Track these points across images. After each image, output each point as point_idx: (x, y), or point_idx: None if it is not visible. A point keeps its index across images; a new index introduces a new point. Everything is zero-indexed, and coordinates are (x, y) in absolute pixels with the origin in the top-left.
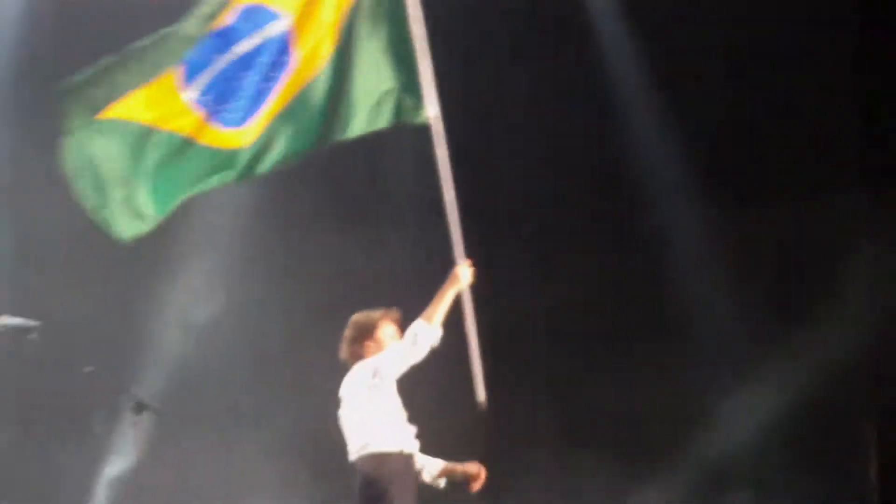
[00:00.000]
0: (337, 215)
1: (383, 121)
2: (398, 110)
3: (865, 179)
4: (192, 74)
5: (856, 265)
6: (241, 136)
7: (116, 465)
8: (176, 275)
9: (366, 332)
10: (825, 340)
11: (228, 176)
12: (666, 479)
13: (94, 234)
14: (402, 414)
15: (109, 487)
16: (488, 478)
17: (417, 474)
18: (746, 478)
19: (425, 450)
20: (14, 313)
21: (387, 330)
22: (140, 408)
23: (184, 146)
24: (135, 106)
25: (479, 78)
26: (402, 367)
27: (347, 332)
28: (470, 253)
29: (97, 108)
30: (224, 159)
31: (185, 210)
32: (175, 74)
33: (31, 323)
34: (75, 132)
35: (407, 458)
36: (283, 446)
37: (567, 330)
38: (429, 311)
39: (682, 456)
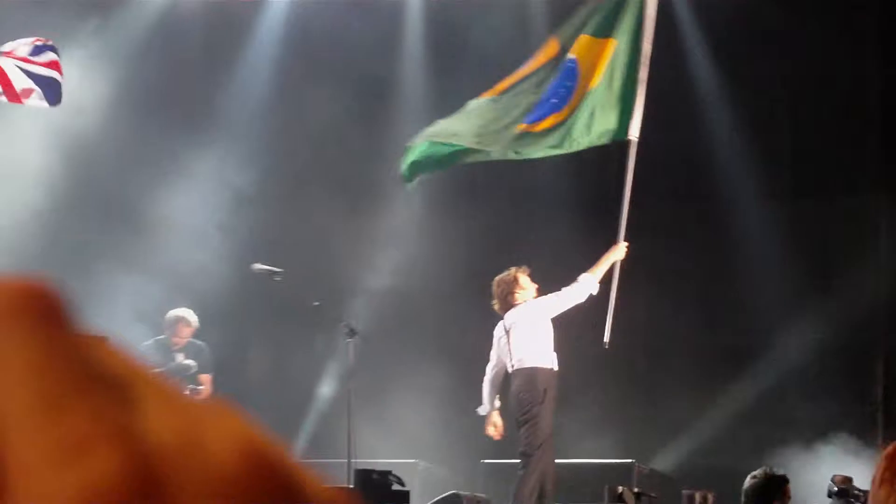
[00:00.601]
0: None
1: (606, 138)
2: (617, 132)
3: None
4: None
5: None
6: (535, 126)
7: (332, 374)
8: (382, 243)
9: (512, 284)
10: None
11: (521, 152)
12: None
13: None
14: (552, 342)
15: (327, 388)
16: None
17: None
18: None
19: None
20: (265, 262)
21: (525, 279)
22: (352, 333)
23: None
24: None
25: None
26: (566, 306)
27: (497, 290)
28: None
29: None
30: (517, 138)
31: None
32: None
33: (277, 269)
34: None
35: (553, 373)
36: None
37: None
38: (593, 268)
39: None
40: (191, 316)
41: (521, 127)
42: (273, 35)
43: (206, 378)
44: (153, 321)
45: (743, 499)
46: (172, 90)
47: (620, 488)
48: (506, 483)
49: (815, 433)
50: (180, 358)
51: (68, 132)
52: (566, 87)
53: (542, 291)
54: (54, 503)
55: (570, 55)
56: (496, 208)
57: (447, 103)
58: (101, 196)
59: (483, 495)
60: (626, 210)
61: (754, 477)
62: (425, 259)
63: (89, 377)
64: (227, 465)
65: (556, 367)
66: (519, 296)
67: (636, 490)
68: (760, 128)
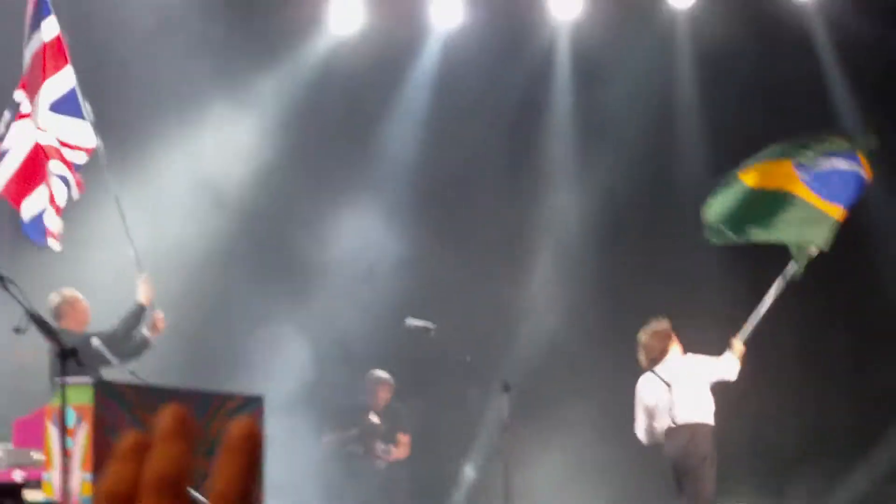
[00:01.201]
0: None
1: None
2: None
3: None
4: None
5: None
6: (834, 209)
7: (488, 430)
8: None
9: (668, 338)
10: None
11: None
12: None
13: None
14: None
15: (482, 444)
16: None
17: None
18: None
19: None
20: (417, 316)
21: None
22: (506, 387)
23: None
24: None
25: None
26: (717, 377)
27: (652, 342)
28: None
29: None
30: (815, 215)
31: None
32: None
33: (430, 325)
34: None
35: (713, 431)
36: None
37: None
38: (734, 352)
39: None
40: (391, 379)
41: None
42: (425, 79)
43: (404, 438)
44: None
45: None
46: (324, 142)
47: None
48: None
49: None
50: (374, 419)
51: (222, 182)
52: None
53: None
54: None
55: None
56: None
57: (598, 142)
58: (253, 245)
59: None
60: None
61: None
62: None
63: None
64: None
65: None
66: (674, 349)
67: None
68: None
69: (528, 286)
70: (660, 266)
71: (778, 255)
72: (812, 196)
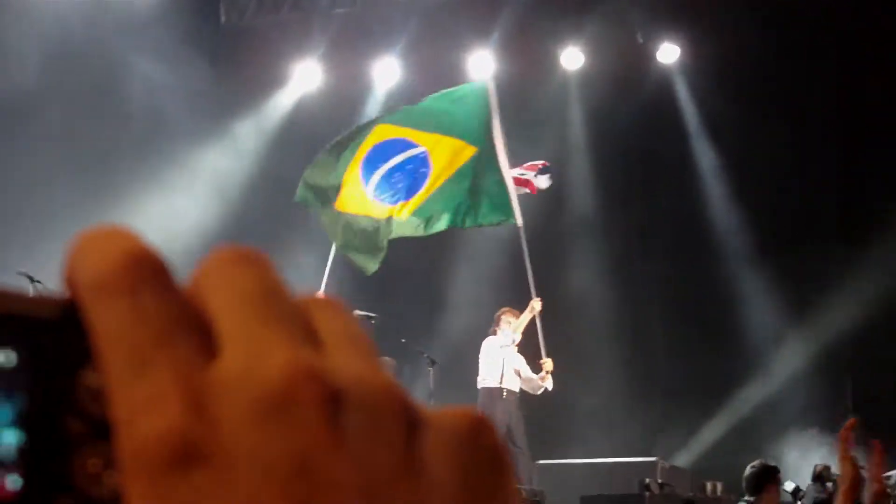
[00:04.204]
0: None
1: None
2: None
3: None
4: (365, 176)
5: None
6: (395, 209)
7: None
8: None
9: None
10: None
11: (390, 234)
12: None
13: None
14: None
15: None
16: None
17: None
18: None
19: None
20: (361, 308)
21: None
22: (432, 362)
23: (370, 221)
24: (345, 202)
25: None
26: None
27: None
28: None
29: (329, 200)
30: (385, 225)
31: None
32: (355, 173)
33: (373, 314)
34: (324, 213)
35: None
36: None
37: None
38: (520, 325)
39: None
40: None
41: (400, 207)
42: None
43: None
44: None
45: (744, 485)
46: None
47: (647, 480)
48: (555, 480)
49: (799, 434)
50: None
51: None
52: (418, 175)
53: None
54: (131, 453)
55: (420, 146)
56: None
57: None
58: None
59: (539, 489)
60: (531, 275)
61: (752, 467)
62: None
63: (175, 332)
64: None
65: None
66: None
67: (660, 481)
68: (747, 194)
69: (455, 283)
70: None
71: None
72: (380, 209)
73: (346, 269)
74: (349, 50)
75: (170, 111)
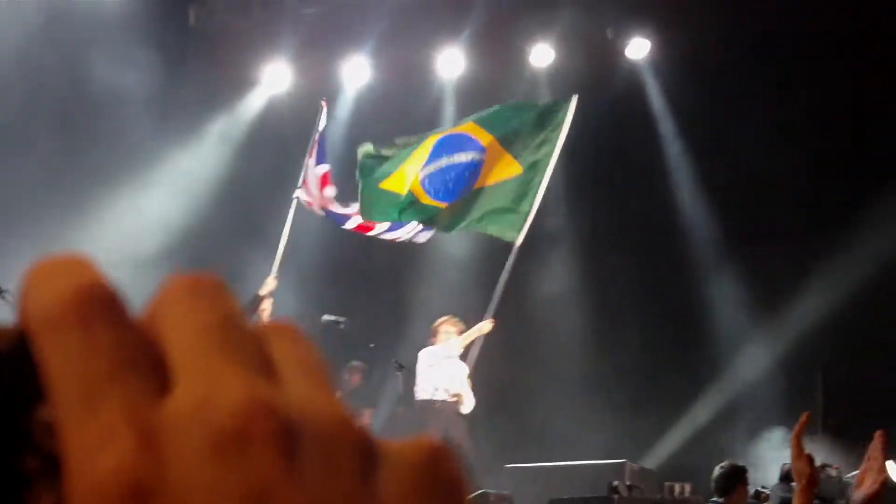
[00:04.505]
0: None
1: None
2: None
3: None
4: (429, 160)
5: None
6: (444, 206)
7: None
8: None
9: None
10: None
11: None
12: None
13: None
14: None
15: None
16: None
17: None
18: None
19: None
20: (331, 313)
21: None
22: (400, 367)
23: (414, 201)
24: (396, 183)
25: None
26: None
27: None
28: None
29: (379, 180)
30: (431, 214)
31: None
32: (419, 158)
33: (341, 318)
34: (367, 190)
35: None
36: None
37: None
38: (464, 339)
39: None
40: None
41: (441, 205)
42: (340, 130)
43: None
44: None
45: (713, 486)
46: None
47: (616, 482)
48: (524, 483)
49: (769, 432)
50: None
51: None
52: (465, 178)
53: None
54: (82, 492)
55: (484, 153)
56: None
57: None
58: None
59: (507, 493)
60: (500, 291)
61: (721, 468)
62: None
63: (127, 366)
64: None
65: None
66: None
67: (628, 483)
68: (716, 191)
69: (423, 288)
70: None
71: None
72: (426, 197)
73: (317, 273)
74: (318, 50)
75: (137, 113)
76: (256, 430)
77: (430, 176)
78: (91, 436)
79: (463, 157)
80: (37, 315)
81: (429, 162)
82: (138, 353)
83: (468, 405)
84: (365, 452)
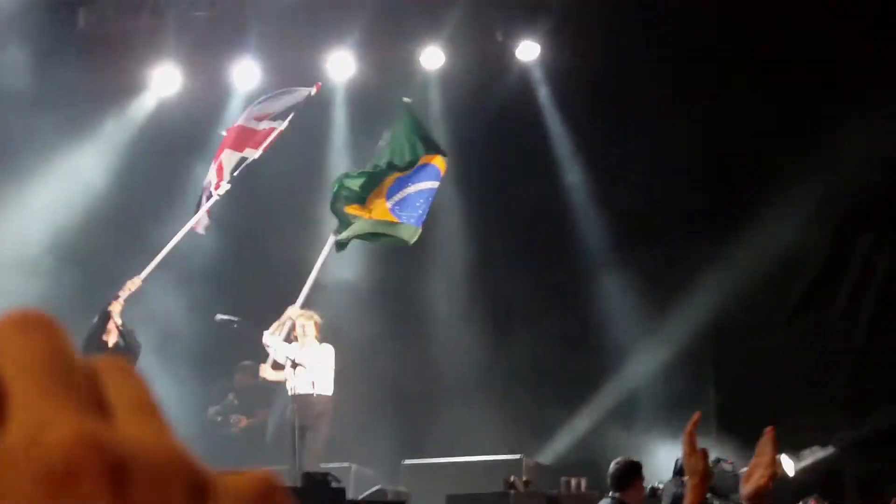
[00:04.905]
0: None
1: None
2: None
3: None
4: (390, 194)
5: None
6: (412, 228)
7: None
8: None
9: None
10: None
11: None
12: None
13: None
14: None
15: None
16: None
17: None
18: None
19: None
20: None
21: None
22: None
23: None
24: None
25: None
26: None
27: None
28: None
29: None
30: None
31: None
32: (384, 189)
33: (235, 318)
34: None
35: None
36: None
37: None
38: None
39: None
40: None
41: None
42: None
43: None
44: None
45: (609, 481)
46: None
47: (512, 478)
48: (421, 479)
49: (662, 427)
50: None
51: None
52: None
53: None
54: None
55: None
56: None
57: None
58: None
59: (404, 489)
60: (311, 283)
61: (617, 463)
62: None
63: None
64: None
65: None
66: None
67: (525, 479)
68: (607, 193)
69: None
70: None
71: None
72: (393, 219)
73: (214, 274)
74: (208, 53)
75: (26, 117)
76: (85, 465)
77: (399, 203)
78: None
79: (429, 185)
80: None
81: (397, 188)
82: None
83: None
84: (196, 486)
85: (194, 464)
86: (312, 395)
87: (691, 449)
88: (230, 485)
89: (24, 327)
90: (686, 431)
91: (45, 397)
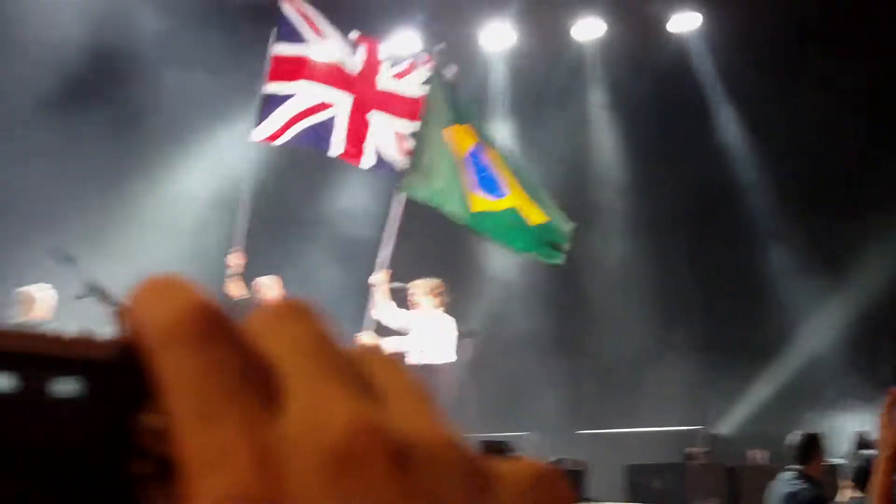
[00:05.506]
0: None
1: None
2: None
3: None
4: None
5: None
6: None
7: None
8: None
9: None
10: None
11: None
12: None
13: None
14: None
15: None
16: None
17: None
18: None
19: None
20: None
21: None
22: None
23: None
24: (452, 137)
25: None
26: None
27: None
28: None
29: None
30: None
31: None
32: (472, 133)
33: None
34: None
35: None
36: None
37: None
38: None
39: None
40: None
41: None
42: None
43: None
44: None
45: (790, 453)
46: None
47: (693, 448)
48: (597, 449)
49: (840, 401)
50: None
51: None
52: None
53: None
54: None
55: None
56: None
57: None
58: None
59: (582, 459)
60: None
61: (798, 435)
62: None
63: (241, 385)
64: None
65: None
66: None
67: (704, 450)
68: (774, 162)
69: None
70: None
71: None
72: (467, 188)
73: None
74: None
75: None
76: (368, 450)
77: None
78: (208, 452)
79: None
80: (155, 330)
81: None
82: (251, 373)
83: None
84: (475, 475)
85: (472, 452)
86: (430, 364)
87: (887, 421)
88: (508, 474)
89: (292, 314)
90: (887, 404)
91: (322, 383)
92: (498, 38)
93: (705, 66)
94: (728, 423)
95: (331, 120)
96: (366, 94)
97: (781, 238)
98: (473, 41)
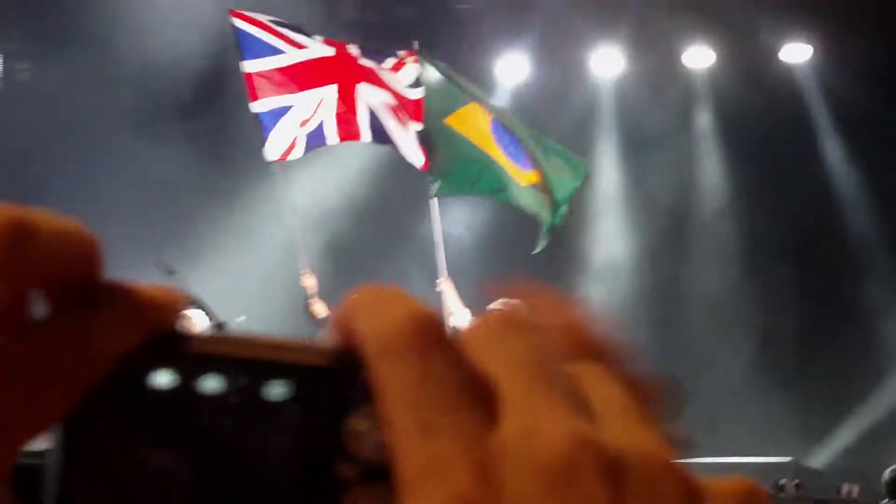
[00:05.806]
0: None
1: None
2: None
3: None
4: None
5: None
6: (525, 175)
7: None
8: None
9: None
10: None
11: (503, 195)
12: None
13: None
14: None
15: None
16: None
17: None
18: None
19: None
20: None
21: None
22: None
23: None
24: (461, 121)
25: None
26: None
27: None
28: None
29: (442, 116)
30: (506, 180)
31: None
32: (483, 110)
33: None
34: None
35: None
36: None
37: None
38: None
39: None
40: None
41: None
42: None
43: None
44: None
45: (884, 488)
46: None
47: (783, 481)
48: None
49: None
50: None
51: None
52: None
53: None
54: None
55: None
56: None
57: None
58: None
59: None
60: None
61: (892, 470)
62: None
63: (459, 397)
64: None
65: None
66: None
67: (795, 482)
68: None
69: None
70: None
71: None
72: (506, 160)
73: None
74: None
75: None
76: (584, 464)
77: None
78: (426, 462)
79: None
80: (375, 339)
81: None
82: (469, 385)
83: None
84: (689, 492)
85: (685, 471)
86: None
87: None
88: (717, 491)
89: (510, 327)
90: None
91: (538, 397)
92: (607, 63)
93: (815, 98)
94: (820, 457)
95: (325, 115)
96: (349, 73)
97: (885, 272)
98: (583, 65)
